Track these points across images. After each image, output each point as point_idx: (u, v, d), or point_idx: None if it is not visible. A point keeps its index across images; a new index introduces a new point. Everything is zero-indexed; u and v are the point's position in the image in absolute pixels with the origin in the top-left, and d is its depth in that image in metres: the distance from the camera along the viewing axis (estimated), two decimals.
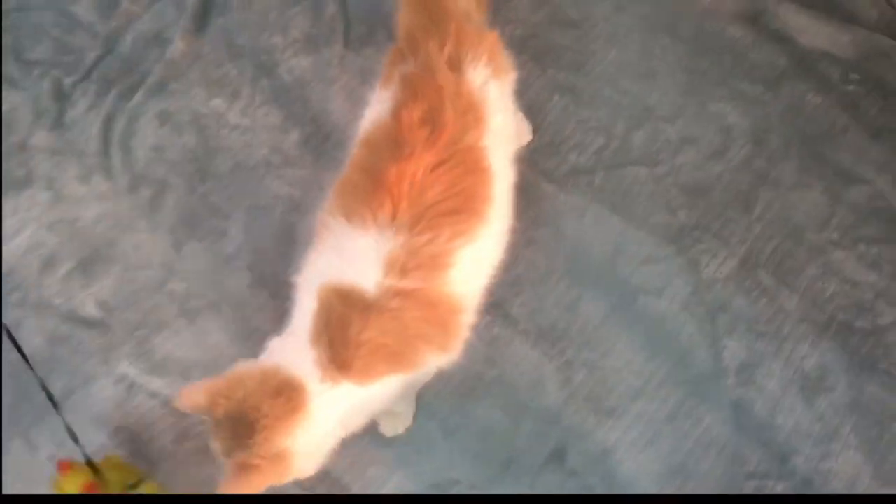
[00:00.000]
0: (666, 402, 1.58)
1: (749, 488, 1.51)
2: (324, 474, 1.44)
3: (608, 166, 1.76)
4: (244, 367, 1.15)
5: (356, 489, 1.49)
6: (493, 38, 1.34)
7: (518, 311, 1.63)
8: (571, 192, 1.73)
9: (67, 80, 1.75)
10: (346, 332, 1.14)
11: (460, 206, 1.21)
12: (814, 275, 1.68)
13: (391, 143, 1.21)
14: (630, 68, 1.84)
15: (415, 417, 1.53)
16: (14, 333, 1.53)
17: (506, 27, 1.82)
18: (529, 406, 1.56)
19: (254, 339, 1.56)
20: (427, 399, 1.55)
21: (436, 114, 1.21)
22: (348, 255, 1.18)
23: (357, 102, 1.77)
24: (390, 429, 1.52)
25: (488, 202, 1.25)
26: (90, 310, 1.59)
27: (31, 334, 1.57)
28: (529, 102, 1.80)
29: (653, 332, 1.63)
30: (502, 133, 1.31)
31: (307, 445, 1.14)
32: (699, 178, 1.75)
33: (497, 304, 1.63)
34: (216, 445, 1.12)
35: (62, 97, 1.73)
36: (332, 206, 1.21)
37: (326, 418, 1.15)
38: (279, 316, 1.27)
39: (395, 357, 1.19)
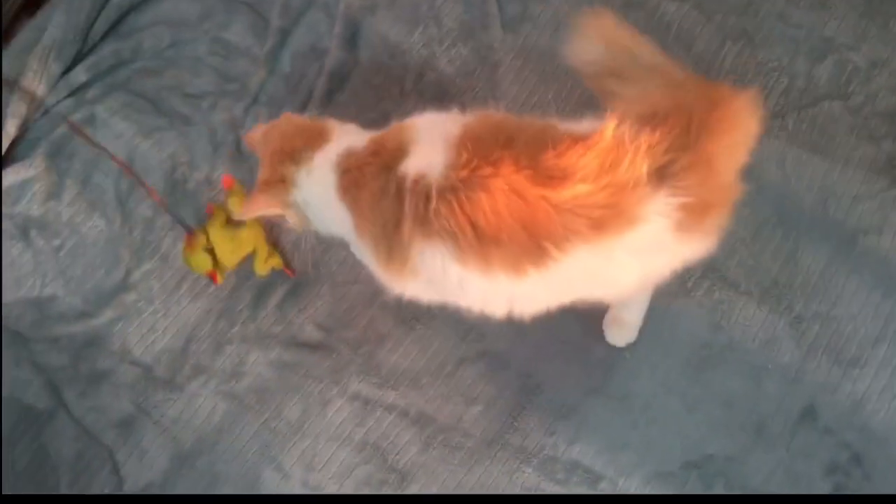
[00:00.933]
0: None
1: None
2: (574, 464, 1.43)
3: (799, 106, 1.67)
4: None
5: (611, 474, 1.46)
6: None
7: (736, 272, 1.57)
8: (766, 140, 1.64)
9: (238, 108, 1.74)
10: None
11: None
12: None
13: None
14: None
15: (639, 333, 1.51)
16: (242, 367, 1.55)
17: None
18: (768, 367, 1.50)
19: (471, 336, 1.54)
20: (661, 374, 1.51)
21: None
22: None
23: (524, 84, 1.73)
24: (615, 337, 1.50)
25: None
26: (310, 333, 1.58)
27: (259, 365, 1.57)
28: (700, 53, 1.72)
29: (881, 272, 1.54)
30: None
31: None
32: None
33: (712, 267, 1.57)
34: None
35: (236, 125, 1.72)
36: None
37: None
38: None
39: None
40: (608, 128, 1.09)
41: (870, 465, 1.44)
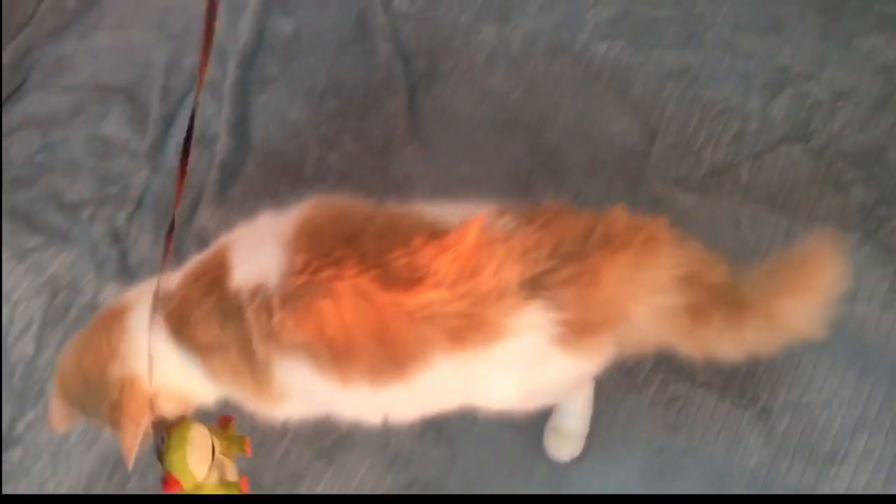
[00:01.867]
0: (895, 429, 1.31)
1: None
2: None
3: (753, 154, 1.47)
4: None
5: None
6: None
7: (691, 362, 1.38)
8: (717, 198, 1.45)
9: (121, 216, 1.55)
10: None
11: None
12: None
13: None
14: (749, 23, 1.51)
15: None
16: None
17: (590, 11, 1.51)
18: (734, 472, 1.32)
19: (397, 464, 1.37)
20: (614, 489, 1.33)
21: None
22: None
23: (440, 155, 1.53)
24: (558, 450, 1.33)
25: None
26: None
27: None
28: (638, 99, 1.50)
29: (856, 347, 1.35)
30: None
31: None
32: (866, 140, 1.44)
33: (665, 357, 1.37)
34: None
35: (120, 237, 1.53)
36: None
37: None
38: None
39: None
40: (471, 229, 0.94)
41: None
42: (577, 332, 0.97)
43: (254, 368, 1.01)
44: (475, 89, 1.53)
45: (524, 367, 1.00)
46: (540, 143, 1.50)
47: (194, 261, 1.06)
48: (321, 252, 0.95)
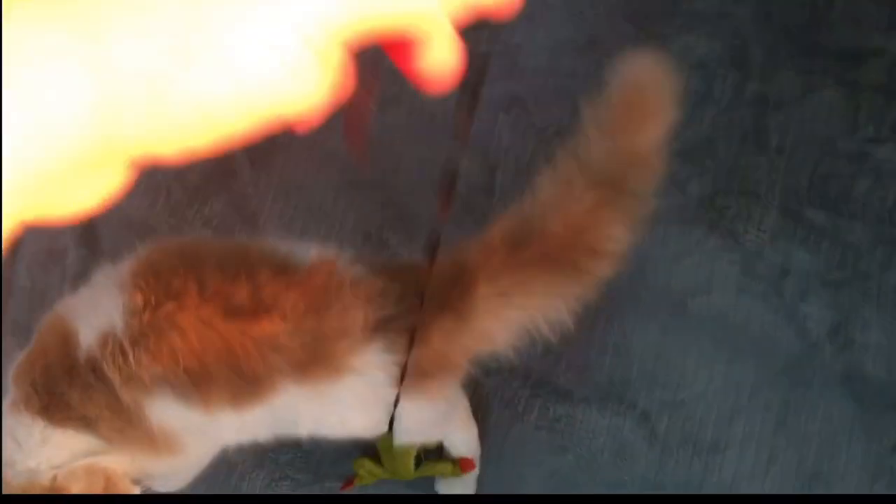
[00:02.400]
0: (769, 411, 1.35)
1: None
2: None
3: None
4: None
5: None
6: None
7: (566, 380, 1.40)
8: None
9: None
10: None
11: None
12: (866, 188, 1.42)
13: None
14: (567, 44, 1.56)
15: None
16: None
17: None
18: (624, 480, 1.34)
19: None
20: None
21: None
22: None
23: (292, 227, 1.54)
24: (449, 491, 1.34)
25: None
26: None
27: None
28: (474, 136, 1.53)
29: (719, 335, 1.39)
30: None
31: None
32: (694, 136, 1.49)
33: (540, 380, 1.40)
34: None
35: None
36: None
37: None
38: None
39: None
40: (322, 268, 0.97)
41: None
42: (415, 377, 0.99)
43: (130, 418, 1.00)
44: (315, 155, 1.55)
45: (372, 405, 1.03)
46: (387, 196, 1.51)
47: (26, 351, 1.04)
48: (161, 289, 0.96)
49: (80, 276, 1.48)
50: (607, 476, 1.35)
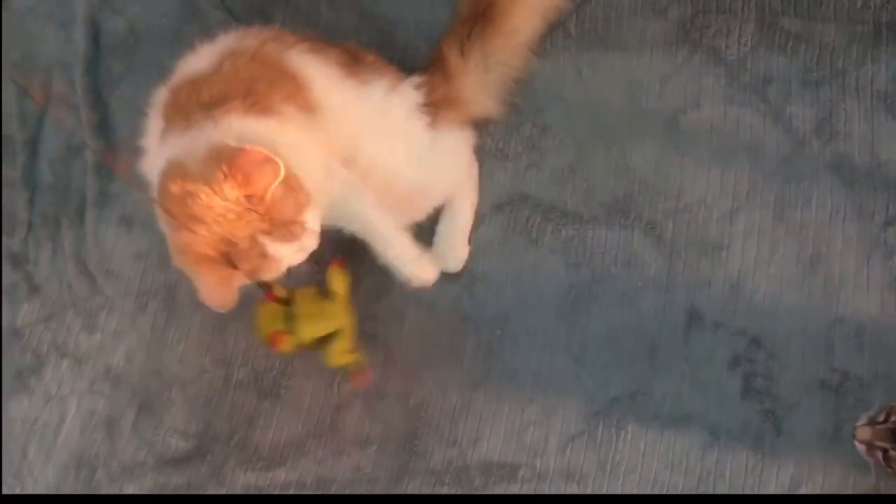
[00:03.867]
0: (766, 205, 1.43)
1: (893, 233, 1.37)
2: (486, 464, 1.35)
3: (575, 5, 1.55)
4: None
5: (525, 459, 1.38)
6: None
7: (573, 203, 1.48)
8: (554, 56, 1.55)
9: (15, 242, 1.59)
10: None
11: None
12: None
13: None
14: None
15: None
16: None
17: None
18: (638, 285, 1.43)
19: (337, 379, 1.44)
20: (539, 338, 1.42)
21: None
22: None
23: None
24: (444, 258, 1.45)
25: None
26: (177, 445, 1.47)
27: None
28: None
29: (712, 145, 1.47)
30: None
31: None
32: None
33: (550, 206, 1.48)
34: None
35: (20, 260, 1.57)
36: None
37: None
38: None
39: None
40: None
41: (769, 342, 1.37)
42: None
43: None
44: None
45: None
46: None
47: None
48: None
49: (100, 166, 1.55)
50: (621, 283, 1.43)
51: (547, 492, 1.35)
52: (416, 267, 1.37)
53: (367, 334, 1.44)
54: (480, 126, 1.49)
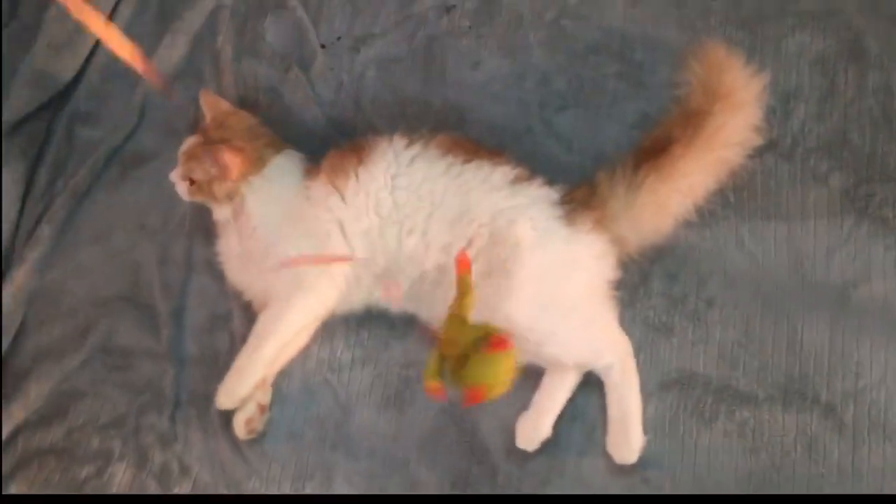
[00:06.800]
0: None
1: None
2: None
3: (731, 174, 1.52)
4: None
5: None
6: None
7: (747, 383, 1.44)
8: (715, 225, 1.52)
9: (162, 421, 1.54)
10: None
11: None
12: None
13: None
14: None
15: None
16: None
17: None
18: (823, 472, 1.37)
19: None
20: None
21: None
22: None
23: None
24: (616, 450, 1.40)
25: None
26: None
27: None
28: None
29: (888, 324, 1.43)
30: None
31: None
32: (826, 130, 1.54)
33: (722, 386, 1.44)
34: None
35: (168, 440, 1.52)
36: None
37: None
38: None
39: None
40: None
41: None
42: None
43: None
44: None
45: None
46: None
47: None
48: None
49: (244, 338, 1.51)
50: (802, 471, 1.38)
51: None
52: (227, 393, 1.43)
53: None
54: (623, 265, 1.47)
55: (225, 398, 1.44)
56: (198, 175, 1.45)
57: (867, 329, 1.43)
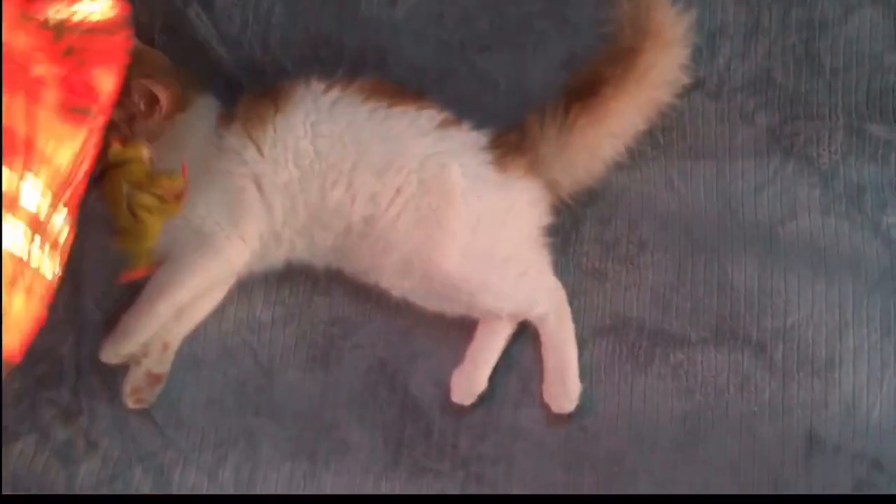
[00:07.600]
0: (872, 322, 1.41)
1: None
2: None
3: (660, 114, 1.50)
4: None
5: None
6: None
7: (679, 325, 1.43)
8: (645, 167, 1.49)
9: (65, 390, 1.41)
10: None
11: None
12: None
13: None
14: None
15: None
16: None
17: None
18: (754, 411, 1.38)
19: None
20: (660, 474, 1.35)
21: None
22: None
23: None
24: (553, 400, 1.37)
25: None
26: None
27: None
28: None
29: (814, 258, 1.44)
30: None
31: None
32: (751, 69, 1.53)
33: (655, 329, 1.42)
34: None
35: (72, 413, 1.40)
36: None
37: None
38: None
39: None
40: None
41: (890, 463, 1.35)
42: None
43: None
44: None
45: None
46: None
47: None
48: None
49: None
50: (735, 410, 1.38)
51: None
52: (110, 349, 1.36)
53: (474, 476, 1.35)
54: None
55: (108, 353, 1.34)
56: (117, 112, 1.30)
57: (794, 267, 1.43)
